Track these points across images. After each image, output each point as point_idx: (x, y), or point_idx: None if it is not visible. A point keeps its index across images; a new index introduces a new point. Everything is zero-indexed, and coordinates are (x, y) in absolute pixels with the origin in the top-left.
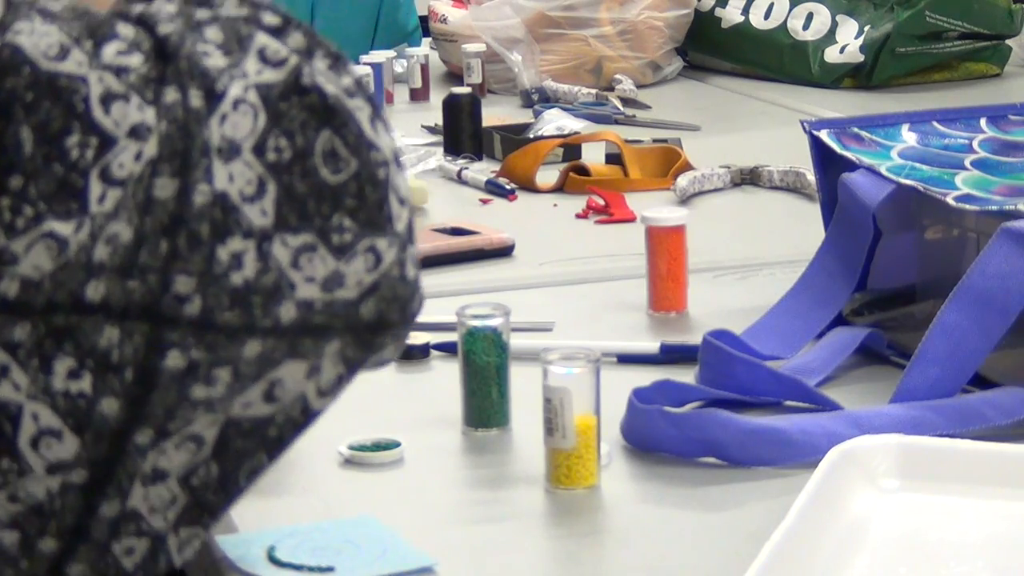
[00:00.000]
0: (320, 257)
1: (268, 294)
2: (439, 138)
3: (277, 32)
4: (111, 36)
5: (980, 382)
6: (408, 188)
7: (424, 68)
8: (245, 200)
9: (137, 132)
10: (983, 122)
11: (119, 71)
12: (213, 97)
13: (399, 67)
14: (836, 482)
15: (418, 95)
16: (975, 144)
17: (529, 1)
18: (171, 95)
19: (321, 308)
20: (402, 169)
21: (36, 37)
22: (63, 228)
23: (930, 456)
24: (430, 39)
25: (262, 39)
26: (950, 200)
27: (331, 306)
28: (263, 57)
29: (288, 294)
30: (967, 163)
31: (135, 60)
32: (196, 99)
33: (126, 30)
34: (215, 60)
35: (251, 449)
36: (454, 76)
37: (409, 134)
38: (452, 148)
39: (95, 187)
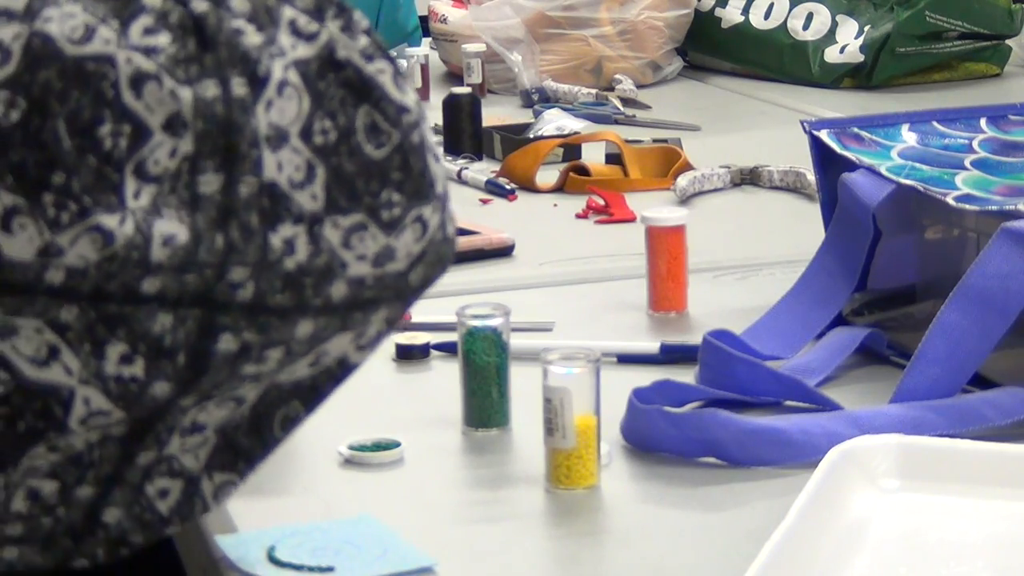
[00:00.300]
0: (371, 235)
1: (320, 275)
2: (439, 138)
3: None
4: (138, 12)
5: (980, 382)
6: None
7: (424, 68)
8: (295, 186)
9: (172, 126)
10: (983, 122)
11: (148, 51)
12: (257, 82)
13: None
14: (836, 482)
15: (418, 95)
16: (975, 144)
17: (529, 1)
18: (211, 89)
19: (372, 283)
20: (426, 124)
21: (63, 21)
22: (109, 221)
23: (930, 456)
24: (430, 39)
25: (289, 11)
26: (950, 200)
27: (382, 280)
28: (295, 30)
29: (340, 273)
30: (967, 163)
31: (163, 39)
32: (239, 87)
33: (153, 1)
34: (251, 38)
35: (286, 398)
36: (454, 76)
37: None
38: (452, 148)
39: (130, 183)
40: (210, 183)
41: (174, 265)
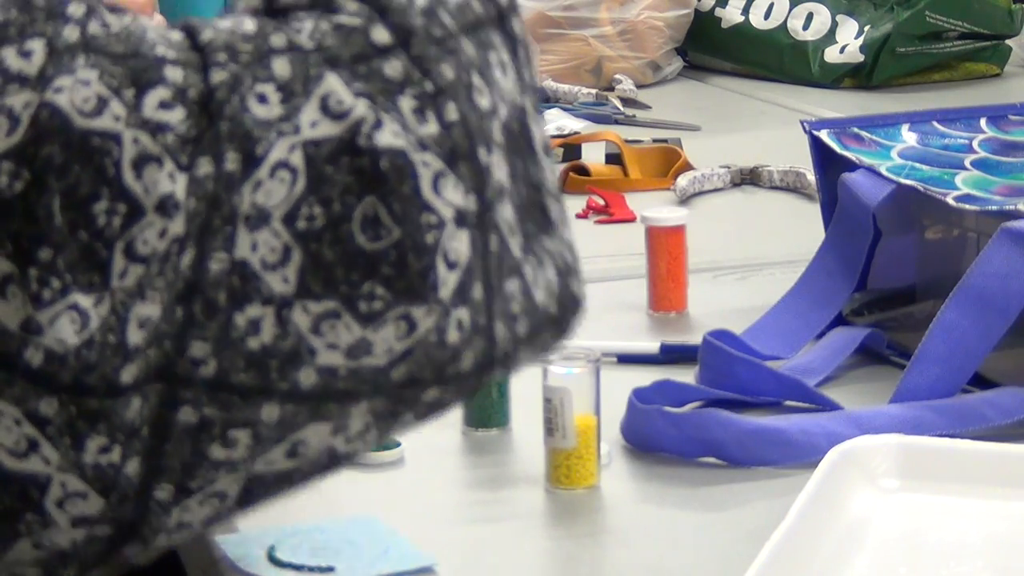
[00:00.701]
0: (344, 324)
1: (286, 358)
2: None
3: (380, 52)
4: (157, 82)
5: (980, 382)
6: (468, 247)
7: None
8: (267, 268)
9: (164, 207)
10: (983, 122)
11: (157, 129)
12: (251, 162)
13: None
14: (836, 482)
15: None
16: (975, 144)
17: (529, 1)
18: (205, 167)
19: (345, 375)
20: (469, 227)
21: (74, 91)
22: (85, 301)
23: (930, 456)
24: None
25: (330, 82)
26: (950, 200)
27: (357, 373)
28: (324, 106)
29: (308, 360)
30: (967, 163)
31: (176, 115)
32: (232, 163)
33: (175, 73)
34: (266, 110)
35: (273, 492)
36: None
37: None
38: None
39: (118, 261)
40: (184, 258)
41: (146, 345)
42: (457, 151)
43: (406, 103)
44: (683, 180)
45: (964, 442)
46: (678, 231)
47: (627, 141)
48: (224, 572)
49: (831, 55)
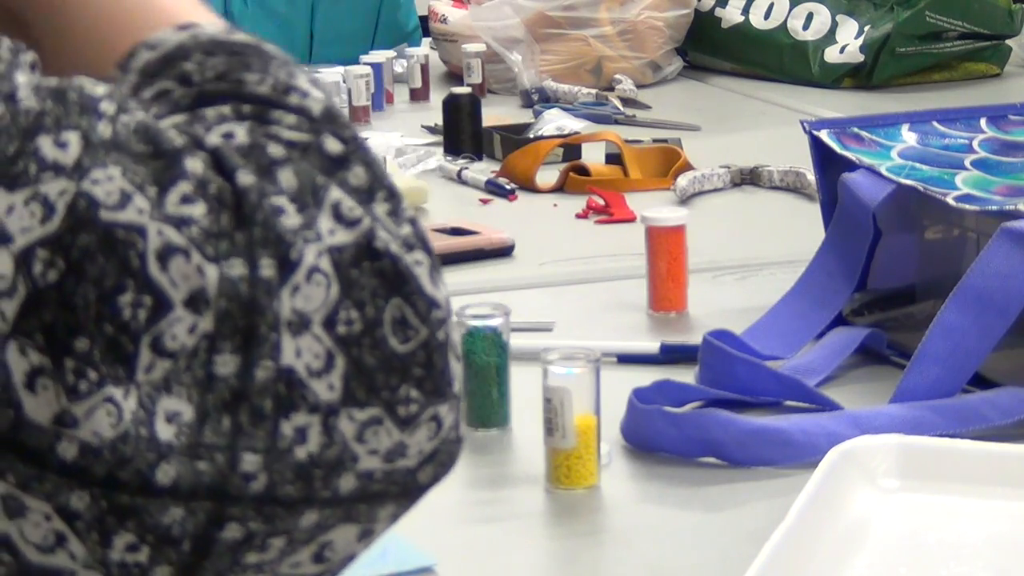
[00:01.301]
0: (386, 430)
1: (330, 467)
2: (439, 138)
3: (340, 163)
4: (178, 177)
5: (980, 382)
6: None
7: (424, 68)
8: (312, 375)
9: (194, 302)
10: (983, 122)
11: (181, 223)
12: (287, 266)
13: (399, 67)
14: (836, 482)
15: (418, 95)
16: (975, 144)
17: (529, 1)
18: (237, 268)
19: (380, 477)
20: (453, 322)
21: (104, 183)
22: (118, 393)
23: (930, 456)
24: (430, 39)
25: (335, 192)
26: (950, 200)
27: (391, 475)
28: (337, 214)
29: (350, 466)
30: (967, 163)
31: (199, 210)
32: (268, 269)
33: (195, 165)
34: (290, 219)
35: None
36: (454, 76)
37: (409, 134)
38: (452, 148)
39: (144, 355)
40: (226, 364)
41: (182, 446)
42: (431, 252)
43: (380, 208)
44: (683, 180)
45: (964, 442)
46: (678, 231)
47: (627, 141)
48: None
49: (831, 55)
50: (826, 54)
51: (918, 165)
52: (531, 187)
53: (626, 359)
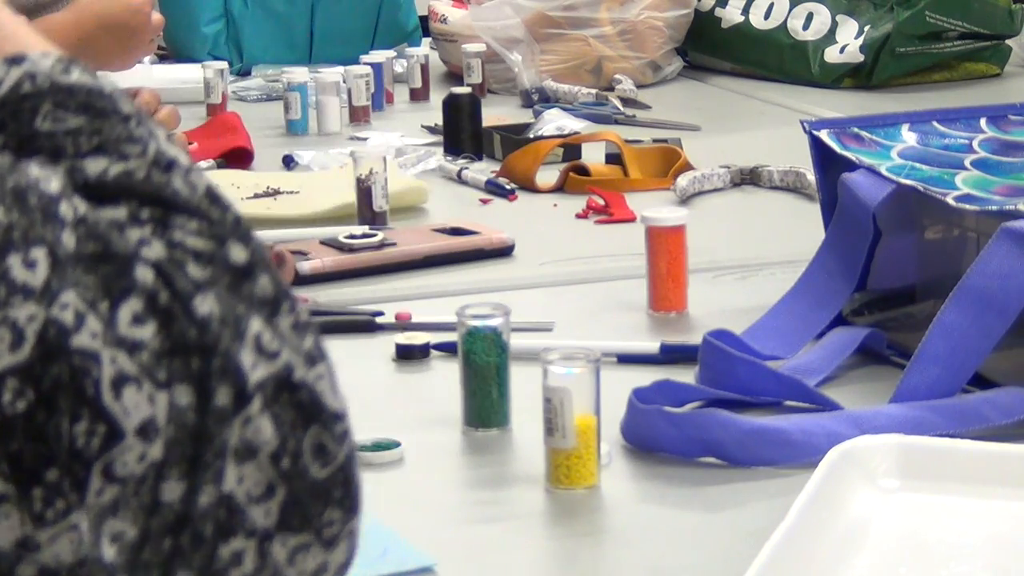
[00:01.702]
0: (313, 553)
1: None
2: (439, 138)
3: (246, 274)
4: (128, 290)
5: (980, 382)
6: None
7: (424, 68)
8: (251, 501)
9: (145, 431)
10: (983, 122)
11: (132, 347)
12: (243, 398)
13: (399, 67)
14: (836, 482)
15: (418, 95)
16: (975, 144)
17: (529, 1)
18: (185, 396)
19: None
20: (351, 426)
21: (71, 308)
22: (82, 521)
23: (930, 456)
24: (430, 39)
25: (256, 324)
26: (950, 200)
27: None
28: (259, 347)
29: None
30: (967, 163)
31: (149, 331)
32: (224, 397)
33: (145, 275)
34: (247, 357)
35: None
36: (454, 76)
37: (409, 134)
38: (452, 148)
39: (95, 480)
40: (172, 490)
41: (121, 564)
42: (326, 354)
43: (285, 322)
44: (683, 180)
45: (964, 442)
46: (678, 231)
47: (627, 141)
48: None
49: (831, 55)
50: (826, 54)
51: (918, 165)
52: (531, 187)
53: (626, 359)
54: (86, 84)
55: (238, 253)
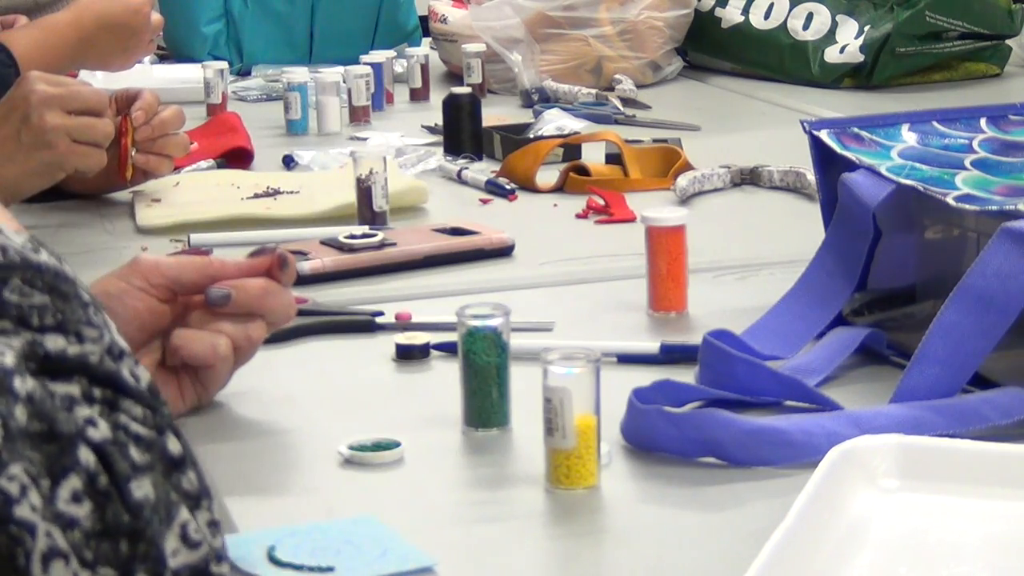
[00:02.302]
0: None
1: None
2: (439, 138)
3: (178, 466)
4: (71, 468)
5: (980, 382)
6: None
7: (424, 68)
8: None
9: None
10: (983, 122)
11: (68, 524)
12: None
13: (399, 67)
14: (836, 482)
15: (418, 95)
16: (975, 144)
17: (529, 1)
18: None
19: None
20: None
21: (16, 480)
22: None
23: (930, 456)
24: (430, 39)
25: (183, 514)
26: (950, 200)
27: None
28: (184, 535)
29: None
30: (967, 163)
31: (84, 510)
32: None
33: (87, 456)
34: (170, 542)
35: None
36: (454, 76)
37: (409, 134)
38: (452, 148)
39: None
40: None
41: None
42: (227, 555)
43: (203, 516)
44: (683, 180)
45: (964, 442)
46: (678, 231)
47: (627, 141)
48: None
49: (831, 55)
50: (826, 54)
51: (918, 165)
52: (531, 187)
53: (626, 359)
54: (52, 267)
55: (174, 445)
